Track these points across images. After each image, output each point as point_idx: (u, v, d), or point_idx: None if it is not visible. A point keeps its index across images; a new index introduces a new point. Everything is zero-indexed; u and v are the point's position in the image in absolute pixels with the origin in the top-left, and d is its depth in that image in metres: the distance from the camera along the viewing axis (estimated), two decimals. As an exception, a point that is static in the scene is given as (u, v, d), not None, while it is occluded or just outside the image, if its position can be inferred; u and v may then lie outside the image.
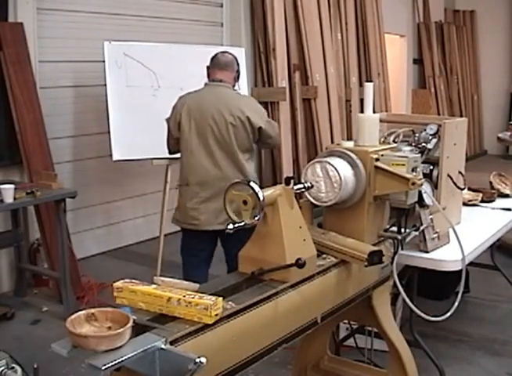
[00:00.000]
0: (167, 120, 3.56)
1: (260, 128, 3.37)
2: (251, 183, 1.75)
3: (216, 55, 3.50)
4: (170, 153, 3.69)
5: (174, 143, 3.56)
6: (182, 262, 3.55)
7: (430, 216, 2.43)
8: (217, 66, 3.45)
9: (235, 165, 3.37)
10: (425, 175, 2.55)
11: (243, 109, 3.33)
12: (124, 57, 4.62)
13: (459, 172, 2.84)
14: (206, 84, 3.49)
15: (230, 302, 1.59)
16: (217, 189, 3.28)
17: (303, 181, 2.05)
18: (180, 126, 3.42)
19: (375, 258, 1.95)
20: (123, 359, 1.31)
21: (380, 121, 2.30)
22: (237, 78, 3.55)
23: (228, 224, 1.76)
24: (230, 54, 3.53)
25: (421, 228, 2.39)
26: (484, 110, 11.39)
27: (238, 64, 3.53)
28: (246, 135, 3.37)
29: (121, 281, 1.58)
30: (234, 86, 3.53)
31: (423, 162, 2.50)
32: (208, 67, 3.50)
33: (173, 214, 3.54)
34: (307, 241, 1.88)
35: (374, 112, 2.24)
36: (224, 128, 3.32)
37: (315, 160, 2.07)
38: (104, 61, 4.52)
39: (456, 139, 2.78)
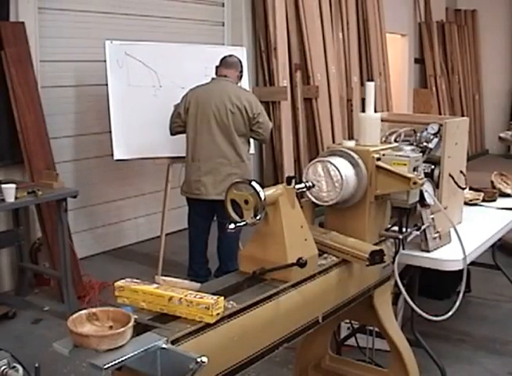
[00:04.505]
0: (175, 105, 4.25)
1: (254, 116, 4.07)
2: (253, 183, 1.74)
3: (225, 57, 4.25)
4: (171, 134, 4.31)
5: (176, 126, 4.22)
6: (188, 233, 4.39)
7: (432, 216, 2.43)
8: (224, 64, 4.20)
9: (231, 145, 4.07)
10: (426, 175, 2.55)
11: (241, 99, 4.06)
12: (125, 57, 4.62)
13: (461, 172, 2.84)
14: (213, 78, 4.21)
15: (231, 302, 1.59)
16: (216, 165, 4.07)
17: (304, 180, 2.05)
18: (188, 112, 4.12)
19: (376, 257, 1.95)
20: (124, 358, 1.31)
21: (382, 120, 2.30)
22: (240, 78, 4.28)
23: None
24: (236, 57, 4.29)
25: (422, 227, 2.39)
26: (486, 109, 11.38)
27: (242, 66, 4.29)
28: (242, 121, 4.06)
29: (123, 280, 1.58)
30: (237, 84, 4.23)
31: (424, 162, 2.49)
32: (217, 67, 4.21)
33: (181, 187, 4.29)
34: (308, 241, 1.88)
35: (375, 111, 2.24)
36: (224, 114, 4.03)
37: (317, 159, 2.07)
38: (105, 61, 4.52)
39: (458, 138, 2.78)
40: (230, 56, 4.27)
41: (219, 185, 4.02)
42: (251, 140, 4.40)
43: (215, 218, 4.33)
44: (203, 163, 4.09)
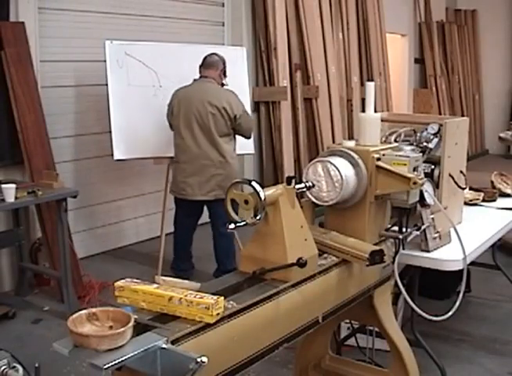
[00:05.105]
0: (167, 105, 4.34)
1: (235, 116, 4.10)
2: (253, 183, 1.75)
3: (205, 56, 4.26)
4: (172, 130, 4.39)
5: (171, 125, 4.34)
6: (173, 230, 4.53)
7: (432, 216, 2.43)
8: (204, 65, 4.25)
9: (214, 147, 4.13)
10: (426, 175, 2.55)
11: (221, 100, 4.11)
12: (125, 57, 4.62)
13: (461, 172, 2.84)
14: (194, 79, 4.26)
15: (231, 302, 1.59)
16: (199, 166, 4.14)
17: (304, 180, 2.05)
18: (173, 114, 4.23)
19: (376, 257, 1.95)
20: (124, 358, 1.31)
21: (382, 120, 2.30)
22: (223, 75, 4.29)
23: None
24: (217, 55, 4.29)
25: (422, 227, 2.39)
26: (486, 109, 11.38)
27: (224, 64, 4.29)
28: (223, 122, 4.11)
29: (123, 280, 1.58)
30: (222, 82, 4.29)
31: (424, 162, 2.50)
32: (200, 66, 4.25)
33: (170, 186, 4.39)
34: (308, 241, 1.88)
35: (375, 111, 2.24)
36: (205, 116, 4.10)
37: (317, 159, 2.07)
38: (105, 61, 4.52)
39: (458, 138, 2.78)
40: (210, 55, 4.28)
41: (204, 185, 4.14)
42: (251, 141, 4.42)
43: (209, 218, 4.38)
44: (188, 164, 4.17)
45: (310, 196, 2.07)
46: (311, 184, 2.03)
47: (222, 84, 4.31)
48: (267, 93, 6.21)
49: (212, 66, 4.23)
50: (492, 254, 3.83)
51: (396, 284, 2.16)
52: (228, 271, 4.66)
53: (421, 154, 2.31)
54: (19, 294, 4.26)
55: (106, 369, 1.27)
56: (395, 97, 8.82)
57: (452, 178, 2.73)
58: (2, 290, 4.39)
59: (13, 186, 3.57)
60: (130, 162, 4.90)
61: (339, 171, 2.00)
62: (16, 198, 3.58)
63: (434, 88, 9.89)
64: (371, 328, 2.66)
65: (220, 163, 4.14)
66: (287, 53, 6.37)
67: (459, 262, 2.33)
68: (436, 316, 2.19)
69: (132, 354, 1.32)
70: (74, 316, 1.39)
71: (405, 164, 2.08)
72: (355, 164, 2.06)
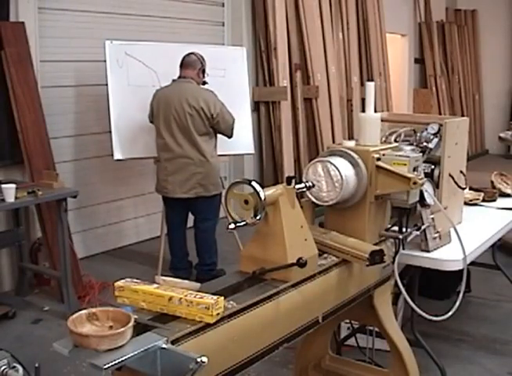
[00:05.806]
0: (149, 105, 4.39)
1: (212, 115, 4.14)
2: (253, 183, 1.75)
3: (184, 57, 4.30)
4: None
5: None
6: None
7: (432, 216, 2.43)
8: (182, 65, 4.29)
9: (194, 146, 4.18)
10: (426, 175, 2.55)
11: (198, 100, 4.15)
12: (125, 56, 4.62)
13: (461, 172, 2.84)
14: (173, 80, 4.30)
15: (231, 302, 1.59)
16: (180, 164, 4.22)
17: (304, 180, 2.04)
18: (153, 114, 4.31)
19: (376, 257, 1.95)
20: (124, 358, 1.31)
21: (382, 120, 2.30)
22: (202, 75, 4.32)
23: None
24: (195, 55, 4.31)
25: (422, 227, 2.38)
26: (486, 109, 11.38)
27: (202, 63, 4.31)
28: (201, 122, 4.16)
29: (123, 280, 1.58)
30: (202, 81, 4.32)
31: (424, 162, 2.49)
32: (179, 66, 4.29)
33: (155, 185, 4.45)
34: (308, 241, 1.88)
35: (375, 111, 2.24)
36: (183, 116, 4.15)
37: (317, 159, 2.07)
38: (105, 60, 4.52)
39: (458, 138, 2.78)
40: (188, 54, 4.31)
41: (185, 184, 4.21)
42: (251, 141, 4.42)
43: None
44: (169, 163, 4.25)
45: (310, 196, 2.07)
46: (311, 184, 2.02)
47: (204, 83, 4.34)
48: (267, 93, 6.21)
49: (190, 66, 4.26)
50: (492, 254, 3.82)
51: (396, 284, 2.16)
52: (206, 265, 4.79)
53: (421, 154, 2.30)
54: (19, 294, 4.26)
55: (106, 369, 1.27)
56: (395, 97, 8.82)
57: (452, 178, 2.73)
58: (2, 290, 4.39)
59: (13, 186, 3.57)
60: (130, 162, 4.90)
61: (339, 171, 2.00)
62: (16, 198, 3.58)
63: (434, 88, 9.89)
64: (371, 328, 2.66)
65: (200, 162, 4.20)
66: (287, 53, 6.37)
67: (459, 262, 2.33)
68: (436, 316, 2.19)
69: (132, 354, 1.32)
70: (74, 316, 1.39)
71: (405, 164, 2.08)
72: (355, 164, 2.06)
